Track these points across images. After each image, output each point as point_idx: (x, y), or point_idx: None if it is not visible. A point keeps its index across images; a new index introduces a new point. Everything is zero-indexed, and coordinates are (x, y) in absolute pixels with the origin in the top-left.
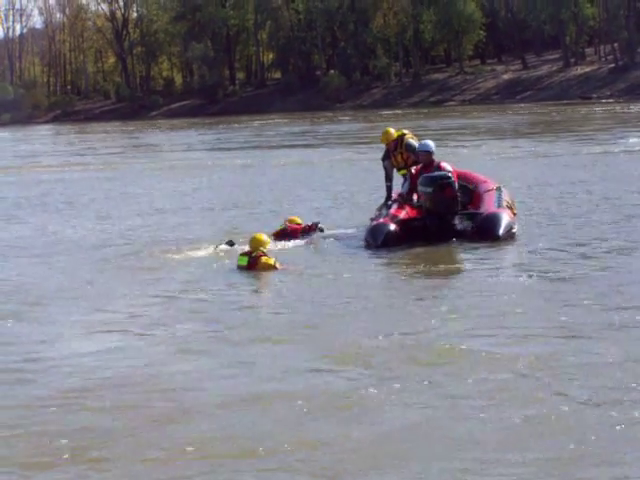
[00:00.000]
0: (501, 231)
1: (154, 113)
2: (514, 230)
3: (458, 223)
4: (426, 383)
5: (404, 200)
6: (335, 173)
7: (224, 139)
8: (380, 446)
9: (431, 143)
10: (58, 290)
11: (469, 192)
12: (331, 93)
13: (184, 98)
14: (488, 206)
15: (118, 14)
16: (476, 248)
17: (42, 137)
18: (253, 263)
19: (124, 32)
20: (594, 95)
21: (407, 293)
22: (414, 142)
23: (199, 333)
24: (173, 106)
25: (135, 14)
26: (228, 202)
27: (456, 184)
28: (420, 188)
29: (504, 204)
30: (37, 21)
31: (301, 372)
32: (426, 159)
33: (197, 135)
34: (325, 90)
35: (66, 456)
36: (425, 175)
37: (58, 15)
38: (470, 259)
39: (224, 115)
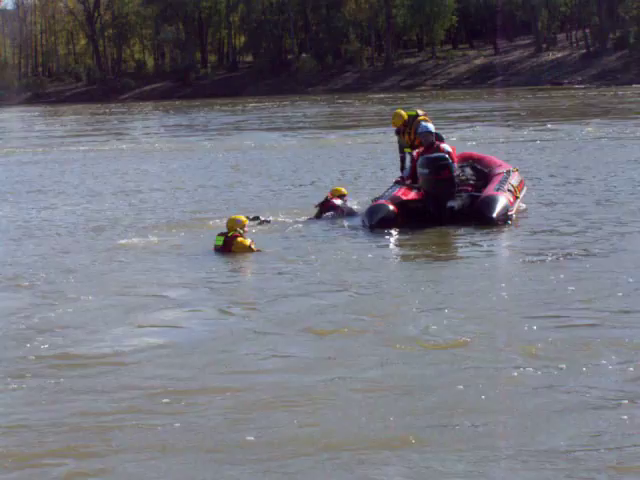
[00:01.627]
0: (495, 214)
1: (125, 95)
2: (511, 213)
3: (455, 205)
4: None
5: (405, 183)
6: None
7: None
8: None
9: (430, 125)
10: (67, 271)
11: (484, 175)
12: (303, 77)
13: (155, 81)
14: (488, 189)
15: None
16: (469, 231)
17: (15, 119)
18: (229, 244)
19: (95, 14)
20: (565, 81)
21: (405, 276)
22: (425, 124)
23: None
24: (145, 88)
25: None
26: (228, 183)
27: (455, 166)
28: (418, 170)
29: (505, 187)
30: (8, 2)
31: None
32: (426, 141)
33: (205, 117)
34: (297, 74)
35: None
36: (423, 156)
37: None
38: (460, 242)
39: (196, 98)
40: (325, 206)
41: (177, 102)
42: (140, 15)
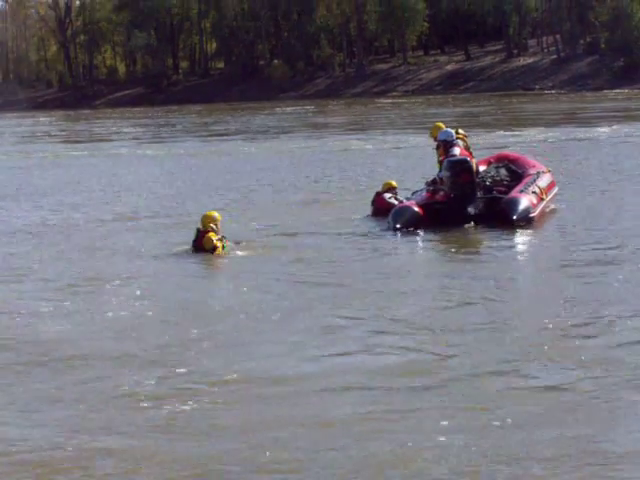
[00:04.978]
0: (516, 216)
1: (98, 102)
2: (533, 215)
3: (472, 210)
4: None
5: (434, 185)
6: None
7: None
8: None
9: (449, 131)
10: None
11: (519, 176)
12: (275, 83)
13: (127, 87)
14: (513, 191)
15: (61, 2)
16: (489, 232)
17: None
18: (200, 238)
19: (67, 20)
20: (536, 86)
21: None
22: (456, 149)
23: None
24: (117, 95)
25: (78, 2)
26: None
27: (474, 168)
28: (443, 172)
29: (530, 189)
30: None
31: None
32: (444, 147)
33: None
34: (269, 80)
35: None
36: (446, 159)
37: (0, 3)
38: (479, 244)
39: (168, 104)
40: (376, 202)
41: (157, 108)
42: (112, 21)
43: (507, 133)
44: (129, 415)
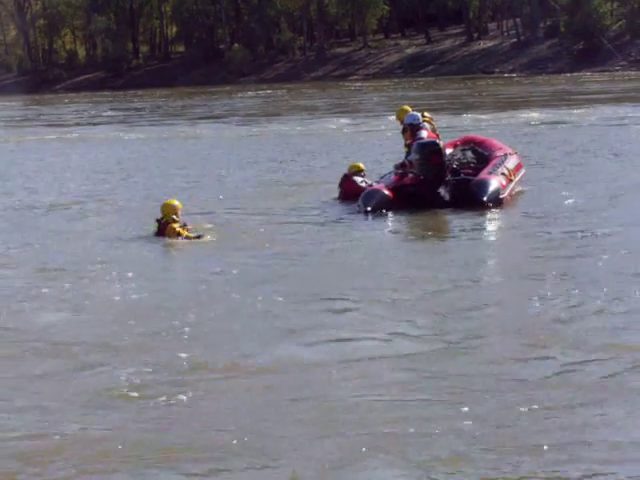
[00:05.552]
0: (486, 197)
1: (58, 87)
2: (502, 196)
3: (445, 194)
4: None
5: (402, 168)
6: None
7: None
8: None
9: (416, 114)
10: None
11: (485, 158)
12: (235, 67)
13: (87, 71)
14: (481, 173)
15: None
16: (460, 214)
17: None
18: (162, 229)
19: (26, 4)
20: (496, 70)
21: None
22: (423, 132)
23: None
24: (77, 79)
25: None
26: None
27: (443, 151)
28: (411, 155)
29: (499, 171)
30: None
31: None
32: (411, 130)
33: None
34: (229, 64)
35: None
36: (416, 142)
37: None
38: (451, 225)
39: (128, 89)
40: (345, 185)
41: (119, 92)
42: (71, 5)
43: (495, 116)
44: (113, 404)
